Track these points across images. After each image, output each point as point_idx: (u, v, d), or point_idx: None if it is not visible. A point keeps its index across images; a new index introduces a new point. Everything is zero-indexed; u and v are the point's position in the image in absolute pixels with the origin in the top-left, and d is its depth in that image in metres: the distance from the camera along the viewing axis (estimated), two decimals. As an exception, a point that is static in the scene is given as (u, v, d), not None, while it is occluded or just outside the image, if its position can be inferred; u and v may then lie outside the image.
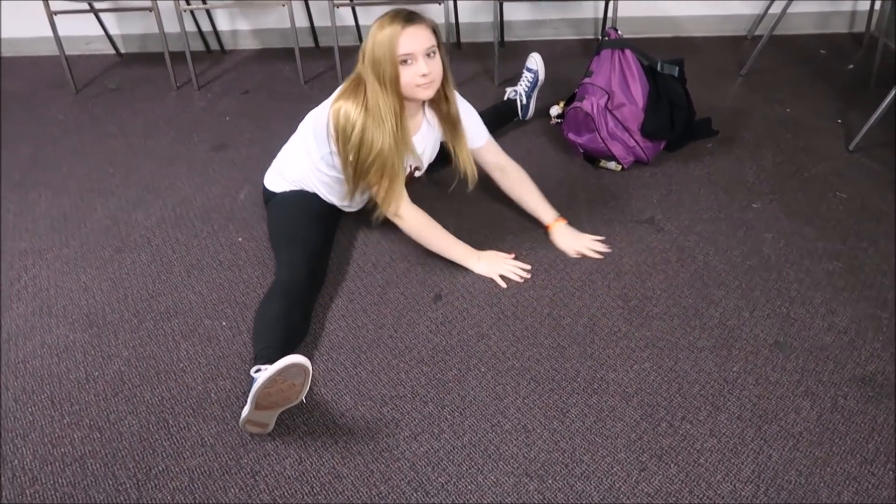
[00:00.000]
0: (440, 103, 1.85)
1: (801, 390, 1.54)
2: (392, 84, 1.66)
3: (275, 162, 2.09)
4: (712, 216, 2.11)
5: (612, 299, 1.82)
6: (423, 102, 1.85)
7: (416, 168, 2.00)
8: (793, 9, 2.86)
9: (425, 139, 1.93)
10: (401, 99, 1.70)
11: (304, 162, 1.96)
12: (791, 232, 2.02)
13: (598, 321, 1.76)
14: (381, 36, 1.63)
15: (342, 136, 1.74)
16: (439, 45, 1.70)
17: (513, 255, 1.97)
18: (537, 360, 1.66)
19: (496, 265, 1.93)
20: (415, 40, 1.64)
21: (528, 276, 1.90)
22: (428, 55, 1.67)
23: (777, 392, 1.54)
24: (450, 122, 1.88)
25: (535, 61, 2.66)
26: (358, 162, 1.76)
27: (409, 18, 1.64)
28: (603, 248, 2.00)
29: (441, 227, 1.92)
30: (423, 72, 1.65)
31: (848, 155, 2.37)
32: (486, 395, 1.57)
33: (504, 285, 1.88)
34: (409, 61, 1.65)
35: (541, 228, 2.06)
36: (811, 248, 1.95)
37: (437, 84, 1.73)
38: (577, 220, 2.09)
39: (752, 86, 2.90)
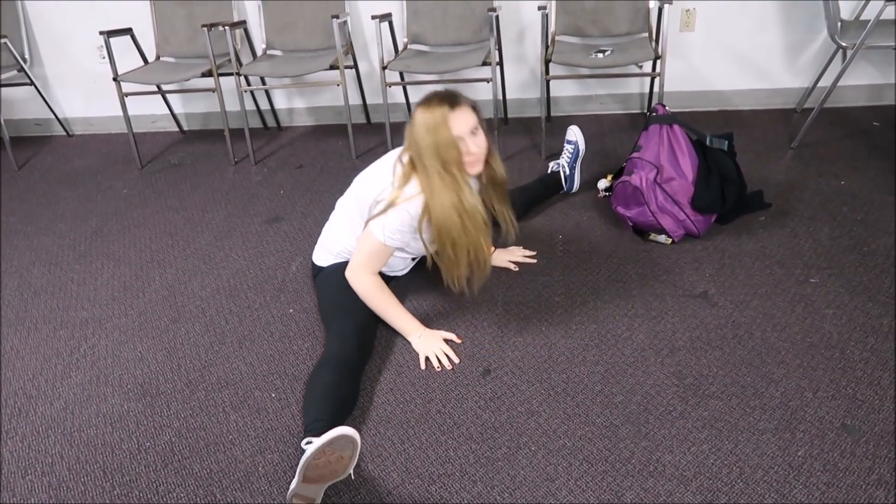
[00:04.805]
0: (486, 171, 1.92)
1: (873, 479, 1.45)
2: (458, 165, 1.75)
3: (320, 238, 2.17)
4: (768, 291, 2.05)
5: (667, 377, 1.77)
6: None
7: None
8: (843, 81, 2.84)
9: None
10: (464, 174, 1.78)
11: (347, 234, 2.03)
12: (853, 308, 1.95)
13: (652, 399, 1.70)
14: (430, 122, 1.71)
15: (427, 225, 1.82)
16: (480, 121, 1.80)
17: (460, 341, 1.96)
18: (589, 440, 1.60)
19: (429, 345, 1.93)
20: (461, 123, 1.74)
21: (450, 366, 1.87)
22: (472, 133, 1.76)
23: (847, 480, 1.45)
24: (495, 185, 1.97)
25: (574, 133, 2.70)
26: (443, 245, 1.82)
27: (453, 102, 1.73)
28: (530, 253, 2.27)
29: (392, 297, 1.97)
30: (471, 151, 1.76)
31: (909, 228, 2.30)
32: (536, 476, 1.52)
33: (423, 367, 1.88)
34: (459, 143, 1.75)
35: (590, 305, 2.04)
36: (876, 326, 1.87)
37: (483, 158, 1.83)
38: (628, 294, 2.06)
39: (804, 159, 2.86)
